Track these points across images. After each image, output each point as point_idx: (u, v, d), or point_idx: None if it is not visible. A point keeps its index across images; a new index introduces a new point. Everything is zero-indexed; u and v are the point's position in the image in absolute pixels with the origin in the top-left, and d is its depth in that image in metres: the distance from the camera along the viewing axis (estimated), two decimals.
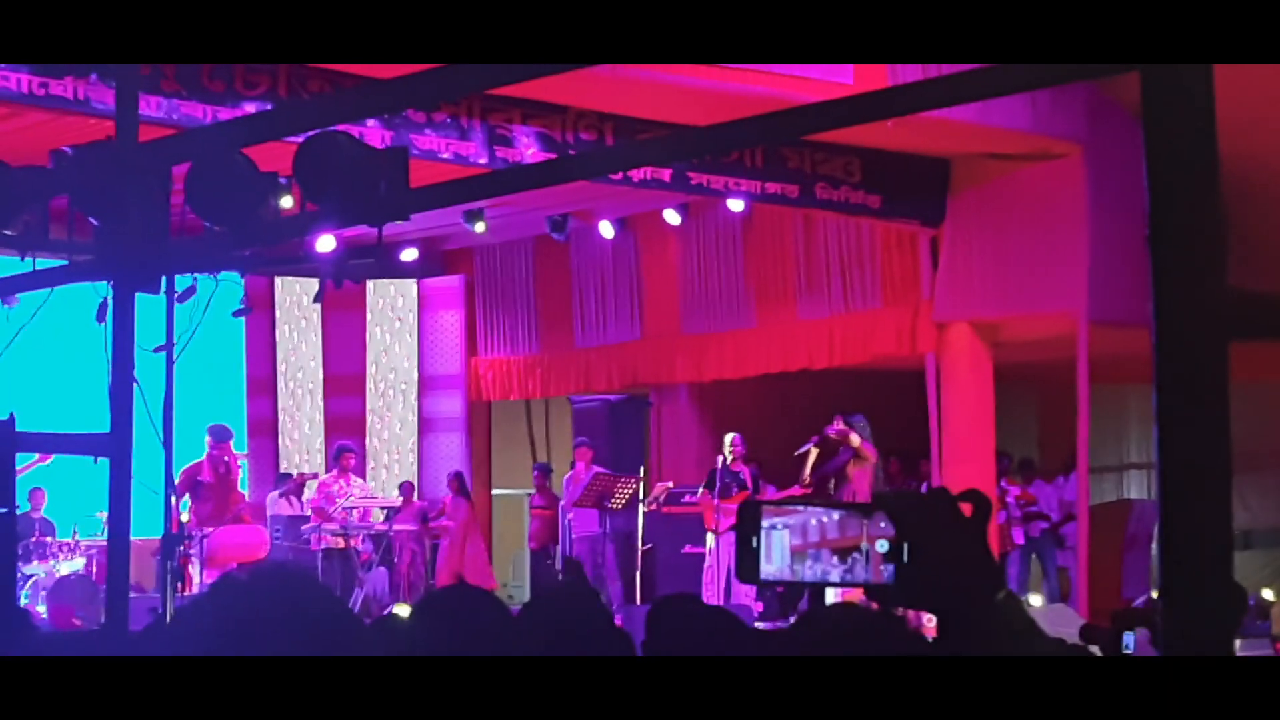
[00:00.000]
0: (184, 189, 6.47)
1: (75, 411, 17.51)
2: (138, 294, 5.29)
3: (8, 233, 7.09)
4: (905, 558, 2.47)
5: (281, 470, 20.45)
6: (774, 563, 2.57)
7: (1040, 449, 20.92)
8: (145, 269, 5.36)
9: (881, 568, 2.49)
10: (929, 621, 2.53)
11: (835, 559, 2.52)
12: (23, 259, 7.09)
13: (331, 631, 2.20)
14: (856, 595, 2.69)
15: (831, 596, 11.20)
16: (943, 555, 2.44)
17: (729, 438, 17.31)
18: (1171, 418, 2.03)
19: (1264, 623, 14.63)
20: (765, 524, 2.56)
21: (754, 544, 2.58)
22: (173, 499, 7.84)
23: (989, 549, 2.47)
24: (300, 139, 6.50)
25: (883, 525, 2.49)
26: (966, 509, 2.48)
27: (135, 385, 5.08)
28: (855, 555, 2.51)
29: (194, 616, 2.25)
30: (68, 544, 16.63)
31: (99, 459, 4.93)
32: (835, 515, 2.55)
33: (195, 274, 9.82)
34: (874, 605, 2.58)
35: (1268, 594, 15.45)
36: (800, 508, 2.56)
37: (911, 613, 2.63)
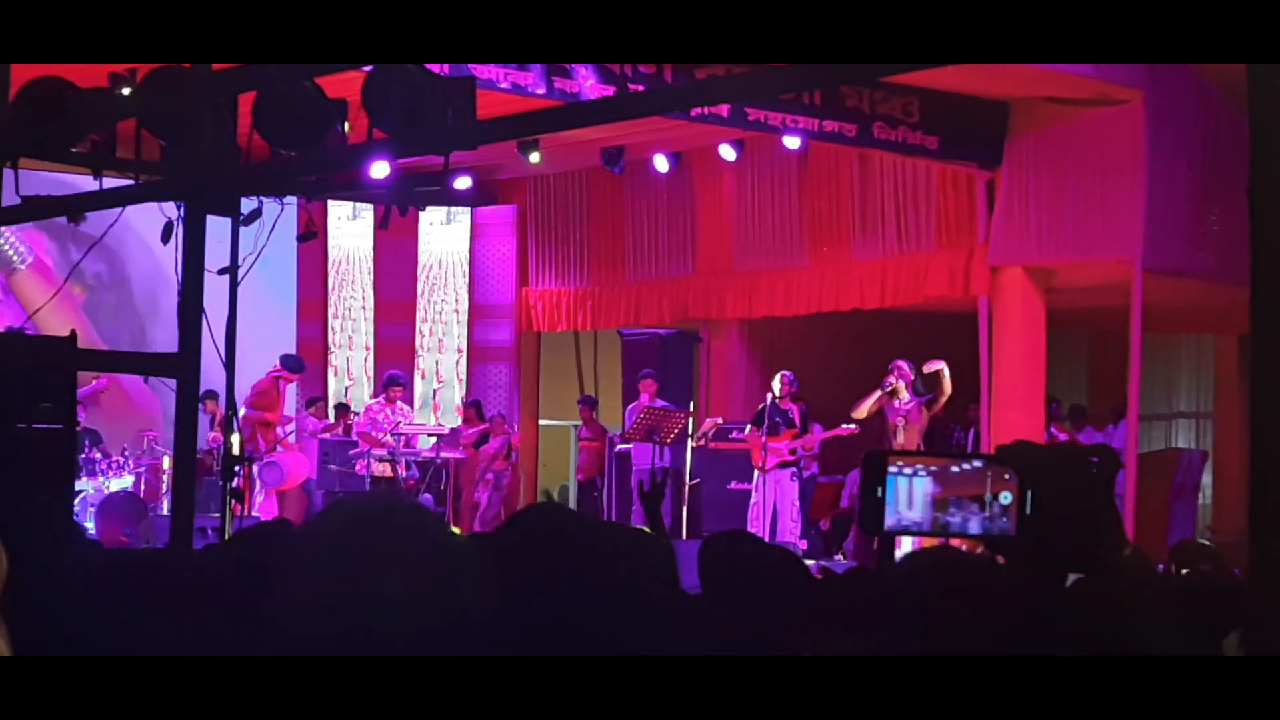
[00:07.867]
0: (252, 114, 6.49)
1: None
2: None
3: (75, 151, 7.12)
4: (1028, 510, 2.41)
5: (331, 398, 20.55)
6: (909, 509, 2.52)
7: (1090, 396, 20.87)
8: (218, 191, 5.39)
9: (1002, 520, 2.43)
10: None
11: (956, 509, 2.47)
12: (96, 178, 7.12)
13: (437, 552, 2.23)
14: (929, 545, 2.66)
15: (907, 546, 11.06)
16: (1069, 509, 2.39)
17: (779, 375, 17.24)
18: (1266, 372, 2.05)
19: None
20: (892, 469, 2.51)
21: (879, 494, 2.53)
22: (235, 421, 7.90)
23: (1115, 504, 2.43)
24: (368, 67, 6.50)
25: (1006, 477, 2.43)
26: (1093, 463, 2.44)
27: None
28: (986, 503, 2.44)
29: (315, 538, 2.29)
30: (116, 461, 16.72)
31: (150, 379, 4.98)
32: (964, 466, 2.50)
33: (260, 198, 9.84)
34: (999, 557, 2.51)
35: None
36: (925, 457, 2.52)
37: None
